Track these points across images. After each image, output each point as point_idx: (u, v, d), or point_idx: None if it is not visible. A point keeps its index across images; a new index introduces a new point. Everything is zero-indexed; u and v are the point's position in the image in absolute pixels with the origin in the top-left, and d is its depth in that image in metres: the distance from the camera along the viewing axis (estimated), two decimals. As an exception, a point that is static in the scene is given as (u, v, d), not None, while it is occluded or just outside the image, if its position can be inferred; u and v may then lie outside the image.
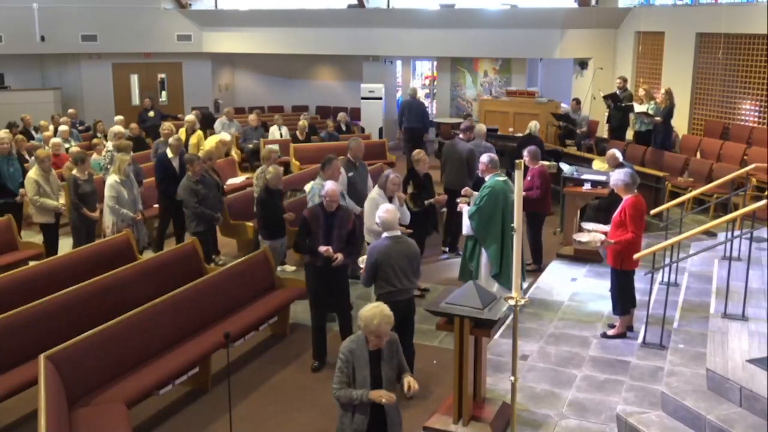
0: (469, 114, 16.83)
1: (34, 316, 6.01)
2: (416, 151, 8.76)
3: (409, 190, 8.42)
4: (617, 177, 6.71)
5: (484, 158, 7.72)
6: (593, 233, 7.01)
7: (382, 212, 6.00)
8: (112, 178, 8.54)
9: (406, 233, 6.22)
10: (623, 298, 6.82)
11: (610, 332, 6.93)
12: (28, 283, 6.91)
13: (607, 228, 6.97)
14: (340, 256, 6.33)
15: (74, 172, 8.78)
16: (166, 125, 11.66)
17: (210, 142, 12.48)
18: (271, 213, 8.21)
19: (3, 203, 9.26)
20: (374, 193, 7.65)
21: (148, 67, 19.40)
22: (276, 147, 10.17)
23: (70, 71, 18.89)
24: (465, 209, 7.55)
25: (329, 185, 6.47)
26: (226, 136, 12.86)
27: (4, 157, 9.33)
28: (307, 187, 8.61)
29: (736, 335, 5.66)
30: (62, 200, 9.00)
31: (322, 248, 6.30)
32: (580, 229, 7.24)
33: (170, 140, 9.97)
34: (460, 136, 10.13)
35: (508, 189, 7.35)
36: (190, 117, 12.80)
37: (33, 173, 8.81)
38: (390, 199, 7.42)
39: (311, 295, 6.63)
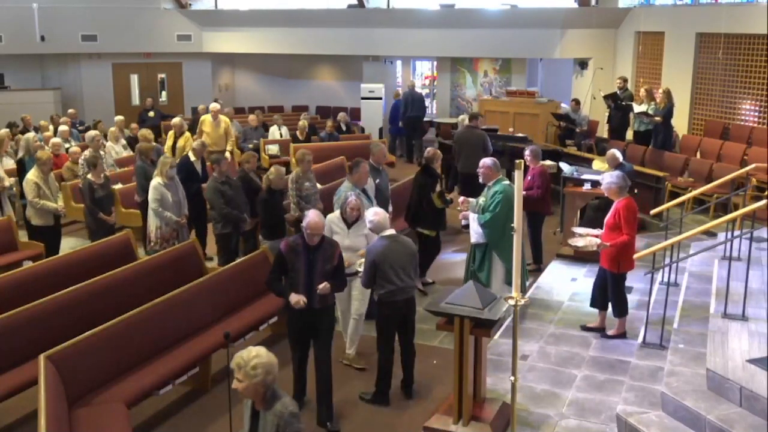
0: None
1: (34, 316, 6.01)
2: (431, 149, 8.78)
3: (438, 188, 8.49)
4: (609, 180, 6.70)
5: (488, 161, 7.47)
6: (588, 238, 7.00)
7: (372, 215, 6.05)
8: (156, 181, 8.33)
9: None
10: (620, 300, 6.82)
11: (611, 332, 6.92)
12: (28, 283, 6.91)
13: (598, 231, 6.98)
14: (325, 284, 5.47)
15: (89, 176, 8.70)
16: (143, 132, 11.43)
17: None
18: (272, 213, 8.18)
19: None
20: (333, 216, 6.82)
21: (148, 67, 19.40)
22: (307, 150, 9.76)
23: (70, 71, 18.88)
24: (472, 217, 7.30)
25: (311, 215, 5.53)
26: (215, 106, 13.09)
27: (31, 158, 9.27)
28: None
29: (736, 335, 5.67)
30: (61, 202, 8.97)
31: (293, 298, 5.45)
32: (573, 235, 7.24)
33: (194, 144, 9.90)
34: (472, 123, 11.25)
35: (513, 192, 7.29)
36: (176, 120, 12.61)
37: (32, 175, 8.71)
38: (348, 224, 6.63)
39: (291, 336, 5.76)
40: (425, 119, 17.29)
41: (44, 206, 8.70)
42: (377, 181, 8.32)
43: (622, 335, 6.88)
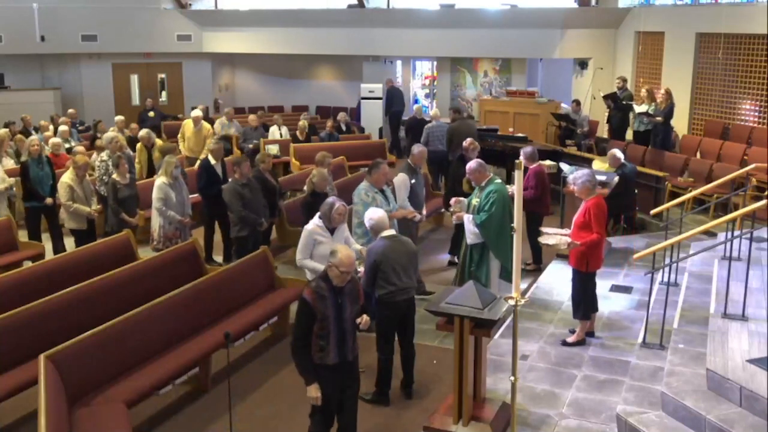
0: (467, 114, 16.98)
1: (34, 316, 6.01)
2: (469, 140, 9.24)
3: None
4: (578, 179, 6.68)
5: (473, 165, 7.45)
6: (558, 236, 6.98)
7: (371, 215, 6.04)
8: (160, 180, 8.40)
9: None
10: (587, 301, 6.71)
11: (570, 339, 6.77)
12: (28, 283, 6.91)
13: (567, 231, 6.96)
14: (366, 318, 5.04)
15: (114, 176, 8.71)
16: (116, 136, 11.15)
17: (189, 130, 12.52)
18: None
19: (33, 207, 9.22)
20: (313, 226, 6.49)
21: (148, 67, 19.42)
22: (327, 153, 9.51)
23: (70, 71, 18.90)
24: (467, 218, 7.29)
25: (341, 251, 4.76)
26: (197, 113, 12.91)
27: (35, 160, 9.29)
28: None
29: (736, 335, 5.66)
30: (95, 206, 8.95)
31: (312, 392, 4.73)
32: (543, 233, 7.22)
33: (211, 146, 9.64)
34: (464, 115, 12.18)
35: (507, 191, 7.38)
36: (143, 133, 11.91)
37: (67, 178, 8.74)
38: (331, 231, 6.40)
39: (318, 407, 4.84)
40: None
41: (77, 210, 8.69)
42: (413, 181, 8.24)
43: (581, 342, 6.70)
